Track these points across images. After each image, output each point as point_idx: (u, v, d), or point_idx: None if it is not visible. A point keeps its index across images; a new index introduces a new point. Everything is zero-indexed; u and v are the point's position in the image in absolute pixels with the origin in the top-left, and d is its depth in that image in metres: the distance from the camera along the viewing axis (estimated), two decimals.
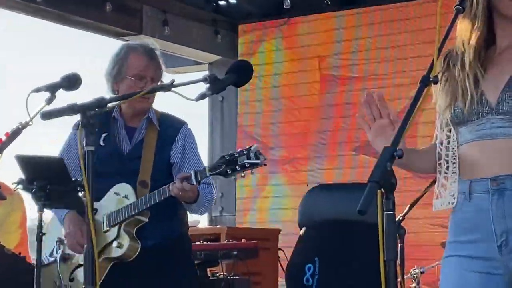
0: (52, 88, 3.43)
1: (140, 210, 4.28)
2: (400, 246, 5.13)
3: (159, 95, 4.18)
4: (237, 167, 4.07)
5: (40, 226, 4.38)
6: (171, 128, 4.62)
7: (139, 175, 4.43)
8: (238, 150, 4.14)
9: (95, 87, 4.08)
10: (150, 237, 4.38)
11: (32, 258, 5.01)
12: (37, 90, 3.47)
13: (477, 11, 2.90)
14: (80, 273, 4.37)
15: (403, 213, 5.24)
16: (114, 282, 4.31)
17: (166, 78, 4.68)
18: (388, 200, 2.48)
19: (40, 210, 4.38)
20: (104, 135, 4.49)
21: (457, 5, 2.78)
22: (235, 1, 8.58)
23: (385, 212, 2.51)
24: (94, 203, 3.77)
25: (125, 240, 4.32)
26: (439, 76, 2.88)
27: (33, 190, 4.40)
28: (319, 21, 8.58)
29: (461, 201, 3.02)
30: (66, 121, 3.31)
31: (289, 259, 5.49)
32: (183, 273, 4.62)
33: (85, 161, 3.12)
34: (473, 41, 2.94)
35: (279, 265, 6.25)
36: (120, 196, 4.39)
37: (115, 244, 4.33)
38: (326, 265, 5.13)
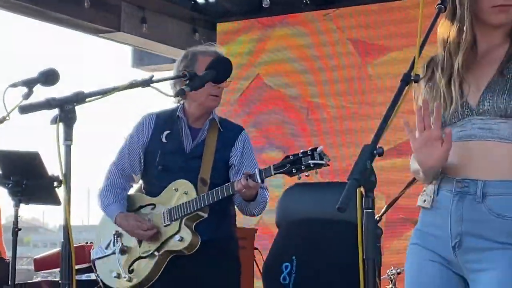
0: (30, 83, 3.36)
1: (203, 205, 4.39)
2: (377, 246, 5.13)
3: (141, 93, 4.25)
4: (302, 166, 4.20)
5: (16, 222, 4.37)
6: (231, 132, 4.73)
7: (200, 173, 4.52)
8: (302, 150, 4.25)
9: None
10: (204, 233, 4.47)
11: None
12: (14, 85, 3.41)
13: (464, 20, 2.93)
14: (139, 265, 4.52)
15: (380, 214, 5.26)
16: (170, 275, 4.47)
17: (144, 75, 4.78)
18: (368, 198, 2.50)
19: (16, 206, 4.38)
20: (166, 132, 4.62)
21: (439, 4, 2.84)
22: (214, 0, 8.56)
23: (364, 210, 2.53)
24: (150, 198, 4.64)
25: (187, 235, 4.42)
26: (423, 84, 3.05)
27: (9, 185, 4.40)
28: (298, 21, 8.51)
29: (432, 197, 3.08)
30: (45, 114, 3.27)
31: (266, 258, 5.48)
32: (231, 270, 4.76)
33: (66, 156, 3.07)
34: (462, 50, 2.96)
35: (254, 264, 6.24)
36: (179, 192, 4.50)
37: (177, 238, 4.43)
38: (304, 264, 5.12)
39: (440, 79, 3.07)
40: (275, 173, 4.33)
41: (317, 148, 4.24)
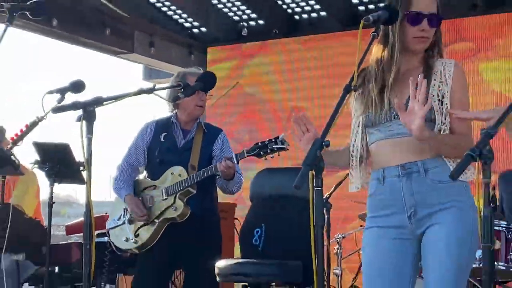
0: (62, 91, 3.40)
1: (192, 182, 4.45)
2: (327, 217, 5.14)
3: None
4: (268, 150, 4.34)
5: (51, 197, 4.38)
6: (213, 132, 4.82)
7: (190, 161, 4.58)
8: (268, 139, 4.40)
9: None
10: (193, 206, 4.50)
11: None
12: (51, 92, 3.44)
13: (394, 46, 2.99)
14: (143, 231, 4.58)
15: (329, 192, 5.27)
16: (166, 238, 4.53)
17: (149, 85, 4.89)
18: (318, 179, 2.54)
19: (51, 185, 4.42)
20: (164, 134, 4.70)
21: (373, 32, 2.87)
22: (205, 29, 8.52)
23: (315, 188, 2.57)
24: (152, 181, 4.70)
25: (180, 206, 4.48)
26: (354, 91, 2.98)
27: (46, 169, 4.44)
28: (269, 47, 8.46)
29: (375, 186, 3.08)
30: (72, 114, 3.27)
31: (241, 226, 5.50)
32: (213, 237, 4.77)
33: (88, 146, 3.10)
34: (394, 70, 3.01)
35: (235, 231, 6.25)
36: (175, 175, 4.56)
37: (172, 208, 4.49)
38: (270, 229, 5.13)
39: (373, 89, 3.08)
40: (247, 155, 4.42)
41: (279, 136, 4.37)
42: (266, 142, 4.36)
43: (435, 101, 3.04)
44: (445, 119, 3.04)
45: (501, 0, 7.47)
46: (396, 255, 3.05)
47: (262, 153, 4.36)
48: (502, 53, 7.51)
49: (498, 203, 5.20)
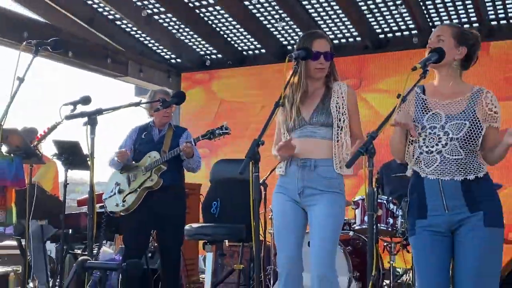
0: (74, 103, 3.44)
1: (163, 161, 4.43)
2: (264, 193, 5.15)
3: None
4: (216, 134, 4.36)
5: (65, 180, 4.41)
6: (180, 130, 4.80)
7: (162, 148, 4.55)
8: (216, 127, 4.43)
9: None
10: (164, 179, 4.47)
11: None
12: (65, 104, 3.49)
13: (301, 75, 3.12)
14: (128, 198, 4.52)
15: (265, 176, 5.27)
16: (145, 204, 4.45)
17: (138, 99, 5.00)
18: (256, 167, 2.68)
19: (66, 170, 4.44)
20: (144, 133, 4.69)
21: (295, 65, 3.04)
22: (179, 60, 8.45)
23: (254, 173, 2.70)
24: (135, 162, 4.63)
25: (155, 177, 4.46)
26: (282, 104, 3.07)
27: (62, 159, 4.45)
28: (225, 73, 8.42)
29: (285, 169, 3.18)
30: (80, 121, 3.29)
31: (203, 200, 5.47)
32: (180, 203, 4.71)
33: (91, 143, 3.10)
34: (300, 91, 3.14)
35: (200, 203, 6.22)
36: (151, 157, 4.53)
37: (149, 179, 4.46)
38: (224, 202, 5.14)
39: (288, 105, 3.19)
40: (202, 139, 4.43)
41: (224, 124, 4.43)
42: (214, 129, 4.39)
43: (334, 111, 3.14)
44: (343, 123, 3.16)
45: (386, 42, 7.49)
46: (294, 214, 3.18)
47: (212, 137, 4.39)
48: (385, 88, 7.38)
49: (379, 184, 5.28)
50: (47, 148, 4.81)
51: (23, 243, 4.84)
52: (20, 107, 3.23)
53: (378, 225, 4.78)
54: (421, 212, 2.75)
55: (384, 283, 5.10)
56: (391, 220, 4.91)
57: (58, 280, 4.70)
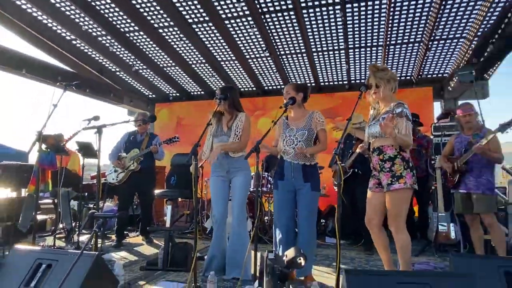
0: (89, 119, 3.33)
1: (141, 155, 4.29)
2: (200, 173, 5.06)
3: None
4: (172, 140, 4.26)
5: (83, 164, 4.12)
6: (153, 137, 4.52)
7: (141, 147, 4.36)
8: (172, 136, 4.29)
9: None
10: (142, 164, 4.31)
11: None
12: (84, 120, 3.35)
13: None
14: (120, 175, 4.32)
15: (201, 164, 5.18)
16: (130, 181, 4.33)
17: (128, 118, 4.75)
18: (195, 158, 2.46)
19: (83, 159, 4.14)
20: (132, 136, 4.46)
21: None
22: (154, 95, 8.13)
23: (194, 162, 2.46)
24: (123, 154, 4.37)
25: (136, 164, 4.30)
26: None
27: (81, 152, 4.18)
28: (181, 105, 8.19)
29: (216, 159, 2.92)
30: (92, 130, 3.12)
31: (166, 176, 5.38)
32: (151, 180, 4.49)
33: (98, 143, 2.92)
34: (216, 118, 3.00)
35: (164, 178, 6.09)
36: (135, 151, 4.36)
37: (133, 165, 4.30)
38: (178, 177, 5.09)
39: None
40: (163, 143, 4.29)
41: (176, 135, 4.30)
42: (171, 138, 4.26)
43: (234, 128, 2.91)
44: (238, 133, 2.88)
45: (318, 88, 7.24)
46: (222, 187, 3.00)
47: (169, 142, 4.26)
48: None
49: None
50: (73, 146, 4.52)
51: (55, 201, 4.57)
52: (53, 121, 3.05)
53: (263, 188, 4.75)
54: (280, 177, 2.87)
55: (266, 219, 5.00)
56: (270, 186, 4.80)
57: (78, 223, 4.49)
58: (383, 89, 2.43)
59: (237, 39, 5.49)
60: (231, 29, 5.24)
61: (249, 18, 4.90)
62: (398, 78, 7.01)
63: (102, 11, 5.13)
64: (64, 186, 4.26)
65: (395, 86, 2.47)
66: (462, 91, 5.83)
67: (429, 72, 6.12)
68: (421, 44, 5.22)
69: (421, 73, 6.09)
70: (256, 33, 5.23)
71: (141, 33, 5.53)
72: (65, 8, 5.12)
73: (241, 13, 4.82)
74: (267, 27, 5.08)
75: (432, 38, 4.89)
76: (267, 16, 4.83)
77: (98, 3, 4.96)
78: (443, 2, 4.06)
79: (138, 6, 4.95)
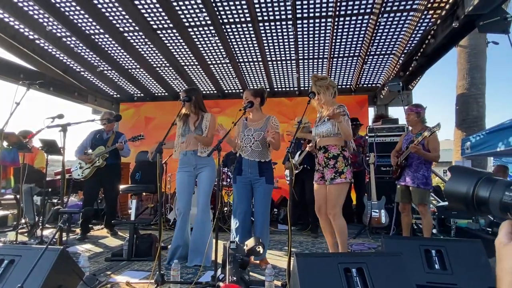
0: (53, 118, 3.05)
1: (106, 152, 4.09)
2: (165, 169, 4.99)
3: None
4: (137, 138, 4.03)
5: (47, 160, 3.78)
6: (119, 135, 4.33)
7: (107, 144, 4.14)
8: (137, 134, 4.06)
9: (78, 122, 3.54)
10: (108, 160, 4.12)
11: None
12: (48, 117, 3.04)
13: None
14: (85, 171, 4.09)
15: (165, 160, 5.05)
16: (95, 177, 4.11)
17: (93, 117, 4.49)
18: (160, 155, 2.38)
19: (47, 156, 3.78)
20: (98, 135, 4.23)
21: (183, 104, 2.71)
22: (119, 95, 7.69)
23: (159, 159, 2.39)
24: (90, 151, 4.15)
25: (102, 160, 4.07)
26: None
27: (45, 150, 3.82)
28: (147, 104, 7.89)
29: (182, 156, 2.89)
30: (57, 128, 2.89)
31: (131, 172, 5.16)
32: (116, 174, 4.32)
33: (63, 140, 2.72)
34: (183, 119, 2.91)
35: (129, 174, 5.83)
36: (101, 148, 4.14)
37: (98, 161, 4.10)
38: (142, 173, 4.91)
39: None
40: (129, 141, 4.12)
41: (141, 133, 4.11)
42: (136, 136, 4.05)
43: (204, 127, 2.85)
44: (205, 131, 2.82)
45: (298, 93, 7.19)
46: (188, 182, 2.93)
47: (134, 140, 4.08)
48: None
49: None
50: (37, 143, 4.16)
51: (17, 197, 4.19)
52: (16, 119, 2.79)
53: (223, 182, 4.66)
54: (239, 172, 2.87)
55: (225, 210, 4.97)
56: (229, 180, 4.68)
57: (41, 218, 4.15)
58: (323, 95, 2.56)
59: (199, 46, 5.40)
60: (194, 36, 5.14)
61: (211, 28, 4.85)
62: (340, 87, 7.36)
63: (66, 13, 4.76)
64: (27, 182, 3.92)
65: (334, 91, 2.60)
66: (391, 98, 6.26)
67: (365, 82, 6.49)
68: (359, 58, 5.56)
69: (358, 82, 6.47)
70: (217, 41, 5.19)
71: (106, 35, 5.22)
72: (28, 8, 4.69)
73: (203, 23, 4.75)
74: (227, 37, 5.09)
75: (368, 53, 5.23)
76: (227, 26, 4.83)
77: (62, 4, 4.60)
78: (377, 24, 4.34)
79: (103, 10, 4.67)
